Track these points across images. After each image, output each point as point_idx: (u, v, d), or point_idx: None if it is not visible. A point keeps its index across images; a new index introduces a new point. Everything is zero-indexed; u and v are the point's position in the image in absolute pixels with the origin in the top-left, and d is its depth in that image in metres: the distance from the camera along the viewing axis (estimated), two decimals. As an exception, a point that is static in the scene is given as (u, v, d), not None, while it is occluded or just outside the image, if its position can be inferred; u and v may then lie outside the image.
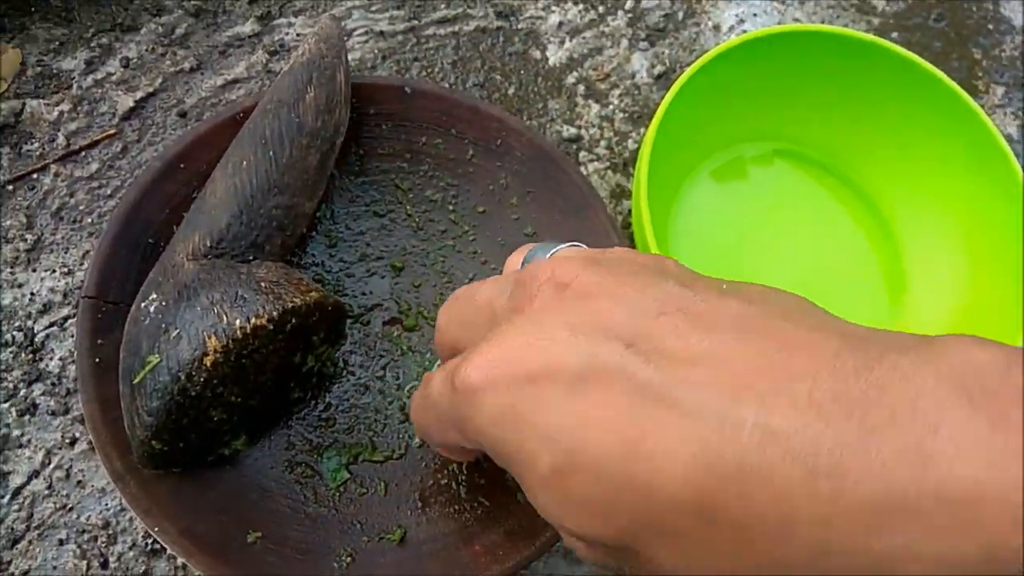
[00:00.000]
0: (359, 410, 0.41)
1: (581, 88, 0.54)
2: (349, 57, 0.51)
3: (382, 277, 0.43)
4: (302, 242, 0.43)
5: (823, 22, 0.58)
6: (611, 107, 0.54)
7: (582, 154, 0.53)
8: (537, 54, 0.54)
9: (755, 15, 0.57)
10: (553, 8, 0.55)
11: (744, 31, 0.57)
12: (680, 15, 0.57)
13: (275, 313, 0.34)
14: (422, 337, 0.43)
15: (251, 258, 0.37)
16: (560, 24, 0.55)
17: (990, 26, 0.61)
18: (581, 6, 0.56)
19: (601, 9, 0.56)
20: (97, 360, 0.36)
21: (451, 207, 0.45)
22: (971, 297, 0.47)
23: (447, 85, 0.52)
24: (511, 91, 0.53)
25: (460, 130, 0.44)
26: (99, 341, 0.36)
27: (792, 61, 0.49)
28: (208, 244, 0.36)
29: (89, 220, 0.45)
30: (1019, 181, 0.45)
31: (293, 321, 0.35)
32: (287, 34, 0.51)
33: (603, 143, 0.53)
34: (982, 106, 0.58)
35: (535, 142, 0.44)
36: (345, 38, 0.42)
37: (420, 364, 0.42)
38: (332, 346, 0.39)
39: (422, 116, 0.44)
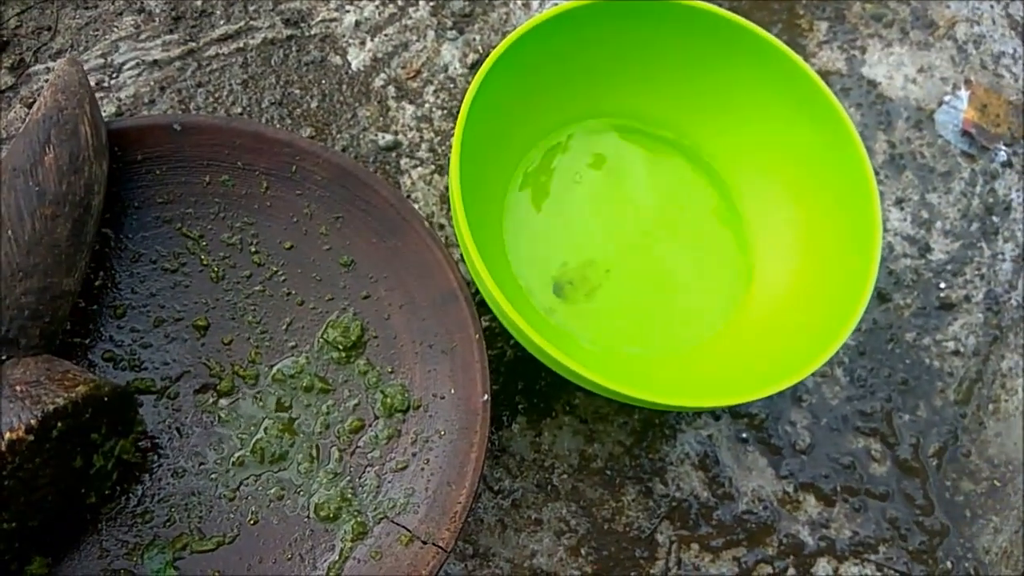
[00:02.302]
0: (178, 497, 0.36)
1: (391, 90, 0.50)
2: (122, 95, 0.46)
3: (185, 340, 0.39)
4: (86, 319, 0.37)
5: (635, -17, 0.55)
6: (427, 106, 0.50)
7: (403, 161, 0.49)
8: (337, 60, 0.50)
9: (564, -15, 0.54)
10: (347, 7, 0.51)
11: (556, 3, 0.53)
12: (486, -4, 0.53)
13: (33, 421, 0.29)
14: (243, 399, 0.38)
15: (4, 357, 0.32)
16: (358, 24, 0.51)
17: (805, -38, 0.60)
18: (378, 1, 0.52)
19: (400, 1, 0.52)
20: None
21: (253, 248, 0.40)
22: (812, 253, 0.45)
23: (239, 109, 0.47)
24: (314, 104, 0.49)
25: (247, 161, 0.40)
26: None
27: (606, 32, 0.46)
28: (-54, 351, 0.31)
29: None
30: (846, 124, 0.44)
31: (59, 425, 0.30)
32: (47, 81, 0.45)
33: (424, 146, 0.49)
34: (807, 44, 0.57)
35: (334, 162, 0.40)
36: (88, 82, 0.36)
37: (245, 431, 0.38)
38: (123, 437, 0.34)
39: (200, 153, 0.39)
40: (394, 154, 0.49)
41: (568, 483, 0.44)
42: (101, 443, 0.33)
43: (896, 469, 0.47)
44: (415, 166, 0.49)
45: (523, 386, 0.45)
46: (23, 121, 0.45)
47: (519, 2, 0.53)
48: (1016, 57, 0.60)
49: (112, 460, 0.34)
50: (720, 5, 0.56)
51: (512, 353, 0.46)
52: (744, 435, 0.47)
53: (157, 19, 0.48)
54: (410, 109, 0.50)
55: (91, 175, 0.35)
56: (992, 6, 0.62)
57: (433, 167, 0.49)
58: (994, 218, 0.55)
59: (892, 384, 0.49)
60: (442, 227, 0.48)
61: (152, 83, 0.47)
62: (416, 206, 0.48)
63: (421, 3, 0.52)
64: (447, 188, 0.49)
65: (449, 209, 0.48)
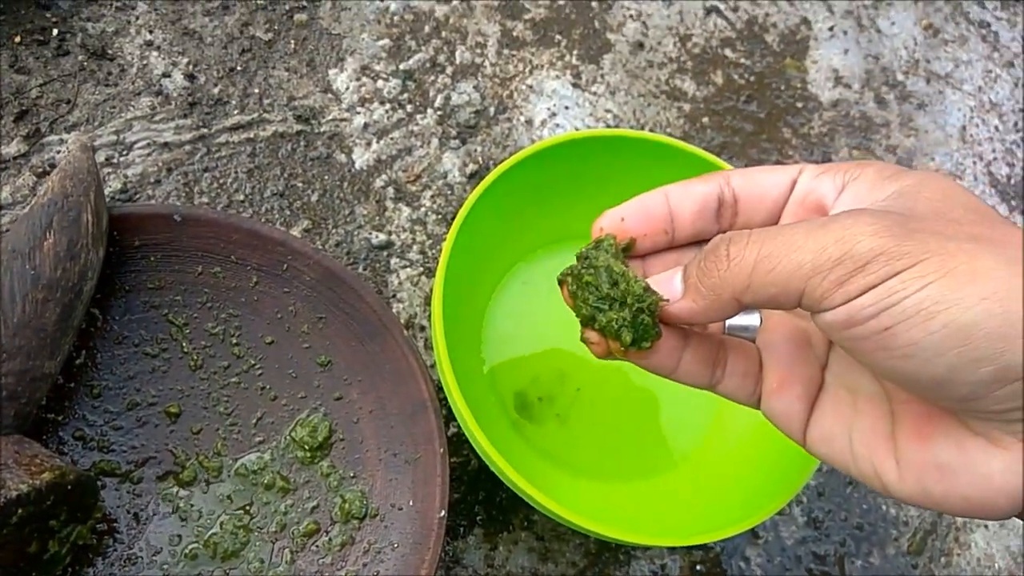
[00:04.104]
0: (127, 585, 0.36)
1: (390, 191, 0.52)
2: (130, 173, 0.48)
3: (155, 426, 0.39)
4: (63, 397, 0.38)
5: (634, 112, 0.58)
6: (423, 209, 0.52)
7: (393, 260, 0.50)
8: (342, 158, 0.52)
9: (567, 108, 0.57)
10: (358, 109, 0.53)
11: (556, 125, 0.56)
12: (491, 111, 0.55)
13: (-6, 506, 0.30)
14: (203, 491, 0.39)
15: (-26, 436, 0.32)
16: (366, 125, 0.53)
17: (799, 104, 0.62)
18: (388, 106, 0.54)
19: (409, 108, 0.54)
20: None
21: (234, 340, 0.41)
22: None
23: (242, 196, 0.49)
24: (314, 198, 0.50)
25: (241, 256, 0.41)
26: None
27: (599, 162, 0.48)
28: (-80, 425, 0.32)
29: None
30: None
31: (20, 512, 0.31)
32: (58, 152, 0.47)
33: (415, 248, 0.51)
34: (794, 186, 0.59)
35: (324, 264, 0.41)
36: (97, 169, 0.38)
37: (201, 524, 0.38)
38: (82, 524, 0.35)
39: (196, 244, 0.41)
40: (385, 253, 0.50)
41: (517, 601, 0.44)
42: (59, 529, 0.33)
43: (844, 617, 0.48)
44: (404, 267, 0.50)
45: (484, 497, 0.46)
46: (31, 188, 0.46)
47: (522, 119, 0.56)
48: (993, 216, 0.63)
49: (67, 545, 0.34)
50: (713, 141, 0.58)
51: (476, 463, 0.46)
52: (699, 567, 0.47)
53: (173, 103, 0.50)
54: (406, 211, 0.52)
55: (86, 262, 0.36)
56: (975, 162, 0.65)
57: (422, 269, 0.51)
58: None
59: (848, 528, 0.50)
60: (423, 329, 0.49)
61: (160, 164, 0.48)
62: (400, 306, 0.49)
63: (429, 111, 0.54)
64: (432, 291, 0.50)
65: (431, 313, 0.49)
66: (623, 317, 0.27)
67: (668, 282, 0.27)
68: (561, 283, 0.29)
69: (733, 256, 0.25)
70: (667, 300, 0.27)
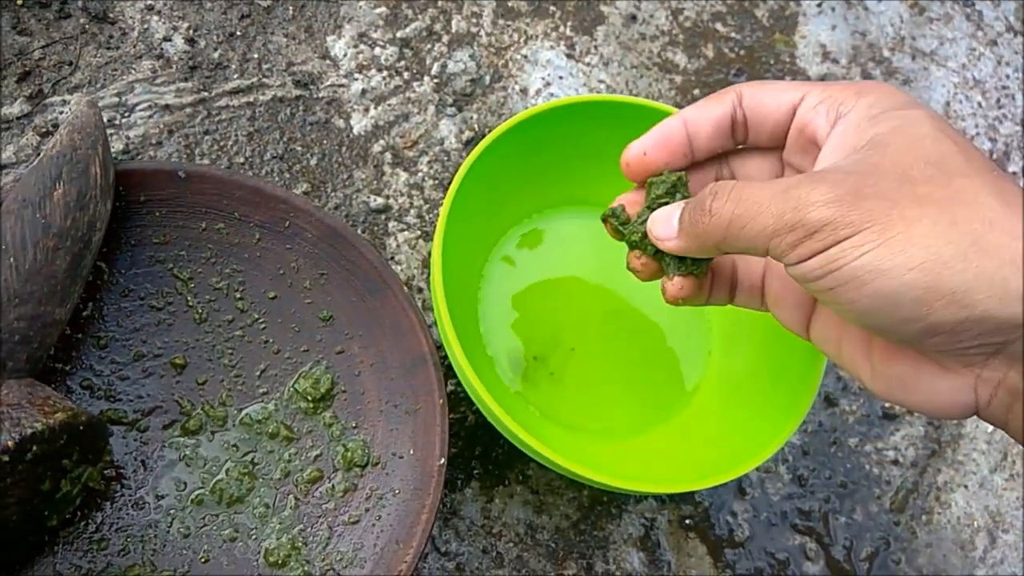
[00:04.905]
0: (135, 528, 0.37)
1: (388, 156, 0.53)
2: (132, 134, 0.48)
3: (161, 376, 0.40)
4: (70, 347, 0.39)
5: (627, 83, 0.59)
6: (420, 174, 0.53)
7: (391, 224, 0.51)
8: (340, 123, 0.53)
9: (561, 78, 0.58)
10: (356, 76, 0.54)
11: (551, 94, 0.57)
12: (487, 79, 0.56)
13: (11, 442, 0.31)
14: (209, 439, 0.40)
15: (-12, 378, 0.33)
16: (364, 92, 0.54)
17: (787, 78, 0.64)
18: (385, 73, 0.55)
19: (406, 75, 0.55)
20: None
21: (238, 294, 0.42)
22: (766, 343, 0.48)
23: (242, 159, 0.50)
24: (313, 162, 0.51)
25: (243, 213, 0.42)
26: None
27: (590, 127, 0.49)
28: (-65, 366, 0.32)
29: None
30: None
31: (34, 448, 0.31)
32: (61, 113, 0.48)
33: (413, 212, 0.52)
34: (783, 157, 0.61)
35: (325, 222, 0.42)
36: (104, 124, 0.39)
37: (207, 471, 0.39)
38: (92, 466, 0.36)
39: (199, 200, 0.41)
40: (383, 217, 0.51)
41: (513, 551, 0.45)
42: (71, 469, 0.34)
43: (828, 570, 0.49)
44: (402, 230, 0.51)
45: (480, 452, 0.47)
46: (34, 148, 0.47)
47: (517, 88, 0.57)
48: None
49: (79, 486, 0.35)
50: (704, 111, 0.59)
51: (473, 419, 0.47)
52: (687, 521, 0.49)
53: (174, 66, 0.51)
54: (403, 176, 0.53)
55: (95, 213, 0.37)
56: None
57: (419, 232, 0.52)
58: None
59: (832, 486, 0.52)
60: (420, 291, 0.50)
61: (162, 126, 0.49)
62: (399, 268, 0.50)
63: (426, 79, 0.55)
64: (430, 254, 0.51)
65: (429, 274, 0.50)
66: None
67: (668, 220, 0.31)
68: (605, 220, 0.35)
69: (714, 212, 0.28)
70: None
